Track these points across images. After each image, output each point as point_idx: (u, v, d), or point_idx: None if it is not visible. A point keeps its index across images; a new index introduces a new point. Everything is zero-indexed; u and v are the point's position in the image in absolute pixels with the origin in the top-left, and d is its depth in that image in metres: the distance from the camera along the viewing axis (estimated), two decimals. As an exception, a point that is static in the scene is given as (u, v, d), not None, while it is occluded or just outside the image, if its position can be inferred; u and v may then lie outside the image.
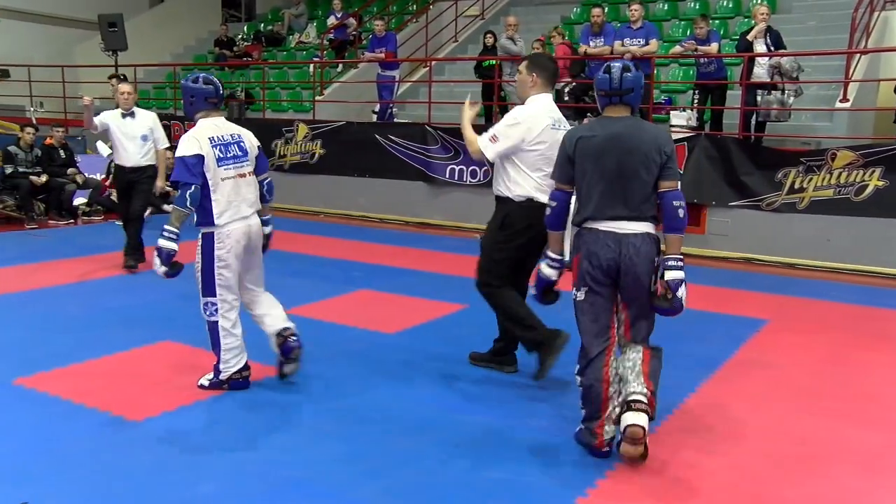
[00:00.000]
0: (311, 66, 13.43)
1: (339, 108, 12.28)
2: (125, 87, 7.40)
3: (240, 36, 15.96)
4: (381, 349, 5.10)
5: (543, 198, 4.08)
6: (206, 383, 4.21)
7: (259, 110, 13.11)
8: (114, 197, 10.69)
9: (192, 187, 3.86)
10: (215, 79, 4.19)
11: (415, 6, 15.19)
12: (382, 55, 11.89)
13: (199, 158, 3.90)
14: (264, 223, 4.32)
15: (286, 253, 8.48)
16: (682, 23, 11.70)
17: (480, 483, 3.27)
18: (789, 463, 3.56)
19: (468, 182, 10.37)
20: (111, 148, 7.52)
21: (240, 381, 4.21)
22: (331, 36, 13.72)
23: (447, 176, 10.52)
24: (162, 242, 3.95)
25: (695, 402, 4.30)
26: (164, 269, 3.99)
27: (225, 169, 3.98)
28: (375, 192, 11.06)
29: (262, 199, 4.29)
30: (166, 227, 3.92)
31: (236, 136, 4.10)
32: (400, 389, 4.36)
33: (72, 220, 10.16)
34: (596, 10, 9.90)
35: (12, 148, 10.08)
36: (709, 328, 5.80)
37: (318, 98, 12.54)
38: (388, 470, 3.36)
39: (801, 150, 8.47)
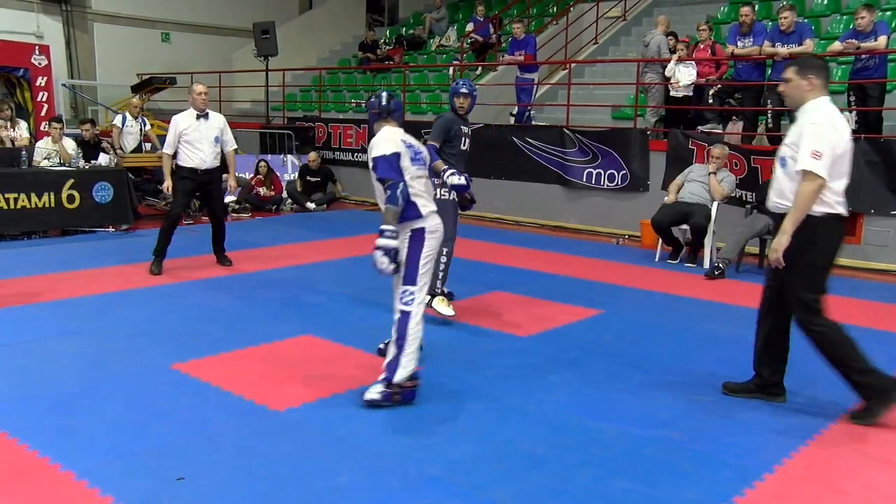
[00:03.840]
0: (451, 68, 13.61)
1: (478, 110, 12.26)
2: (201, 88, 7.26)
3: (382, 40, 16.41)
4: (516, 352, 5.09)
5: (843, 210, 3.96)
6: (378, 396, 4.04)
7: (399, 113, 13.41)
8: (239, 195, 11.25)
9: (401, 184, 3.97)
10: (390, 95, 4.43)
11: (555, 8, 15.08)
12: (521, 58, 11.89)
13: (397, 156, 4.06)
14: None
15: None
16: (845, 17, 10.95)
17: (609, 492, 3.20)
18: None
19: (605, 186, 10.19)
20: (177, 149, 7.26)
21: (410, 392, 4.10)
22: (471, 38, 13.86)
23: (584, 179, 10.38)
24: (385, 242, 3.91)
25: (845, 426, 4.02)
26: (392, 266, 3.96)
27: (417, 168, 4.17)
28: (511, 194, 11.06)
29: None
30: (384, 227, 3.92)
31: (415, 145, 4.31)
32: (534, 393, 4.34)
33: (192, 221, 10.77)
34: (745, 9, 9.41)
35: (175, 148, 10.82)
36: (867, 347, 5.40)
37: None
38: (521, 472, 3.36)
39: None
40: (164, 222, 7.30)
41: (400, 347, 4.03)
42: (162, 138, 11.56)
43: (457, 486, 3.21)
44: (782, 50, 8.86)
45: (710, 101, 9.89)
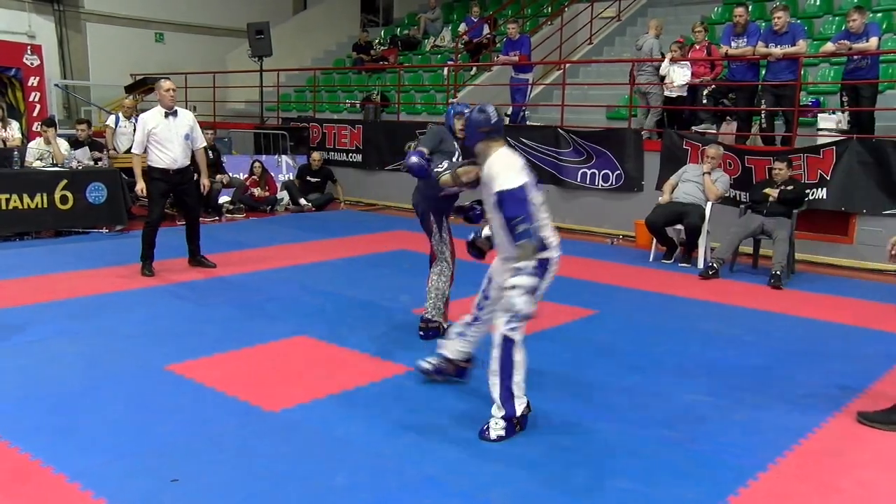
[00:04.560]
0: (446, 69, 13.62)
1: (472, 111, 12.35)
2: (170, 84, 7.09)
3: (377, 40, 16.41)
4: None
5: None
6: (503, 433, 3.68)
7: (394, 113, 13.43)
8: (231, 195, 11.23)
9: (534, 224, 3.56)
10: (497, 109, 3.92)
11: (550, 9, 15.10)
12: (516, 58, 11.89)
13: (526, 188, 3.61)
14: None
15: (416, 254, 8.65)
16: (837, 18, 10.99)
17: (607, 492, 3.21)
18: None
19: (600, 186, 10.21)
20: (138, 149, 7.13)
21: (526, 418, 3.79)
22: (465, 38, 13.86)
23: (578, 179, 10.39)
24: (528, 280, 3.50)
25: (838, 424, 4.03)
26: (535, 307, 3.60)
27: (539, 194, 3.75)
28: (505, 194, 11.04)
29: None
30: (524, 264, 3.50)
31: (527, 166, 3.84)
32: (529, 394, 4.32)
33: (217, 218, 10.77)
34: (739, 10, 9.42)
35: (168, 149, 10.81)
36: (859, 346, 5.44)
37: (451, 101, 12.69)
38: (518, 473, 3.36)
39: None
40: (144, 228, 7.18)
41: (508, 376, 3.68)
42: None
43: (455, 487, 3.22)
44: (776, 50, 8.89)
45: (704, 101, 9.91)
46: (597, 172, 10.21)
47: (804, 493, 3.27)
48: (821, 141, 8.56)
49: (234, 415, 3.92)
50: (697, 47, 10.00)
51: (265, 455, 3.47)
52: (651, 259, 8.37)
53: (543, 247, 3.70)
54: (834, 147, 8.24)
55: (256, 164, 11.76)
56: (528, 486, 3.25)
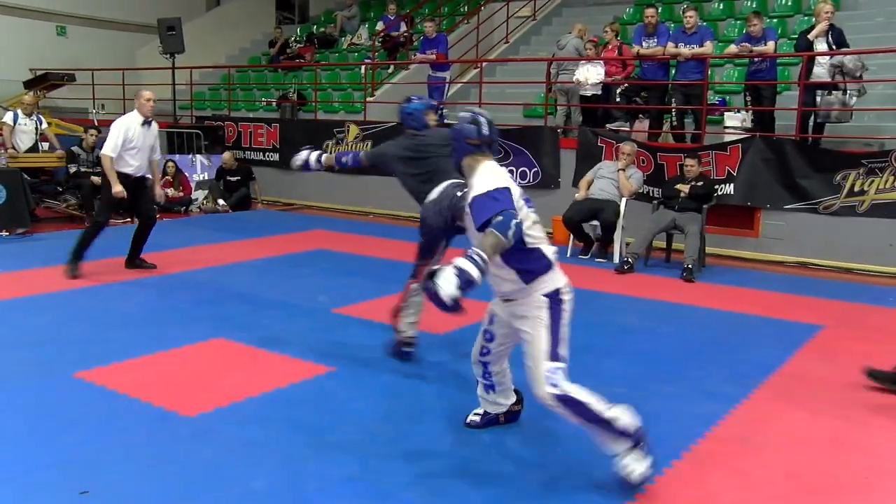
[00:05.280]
0: (363, 67, 13.54)
1: (391, 109, 12.30)
2: (150, 94, 7.15)
3: (293, 37, 16.17)
4: (430, 351, 5.10)
5: None
6: (639, 478, 3.15)
7: (311, 111, 13.27)
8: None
9: (516, 217, 2.99)
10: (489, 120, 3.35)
11: (466, 7, 15.20)
12: (433, 56, 11.93)
13: (507, 189, 3.09)
14: None
15: (335, 253, 8.58)
16: (738, 22, 11.46)
17: (518, 485, 3.25)
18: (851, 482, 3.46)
19: (518, 183, 10.27)
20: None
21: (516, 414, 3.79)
22: (383, 36, 13.81)
23: (497, 177, 10.47)
24: (466, 264, 2.88)
25: (743, 412, 4.20)
26: (453, 299, 2.88)
27: (532, 211, 3.26)
28: (425, 192, 11.06)
29: None
30: (476, 252, 2.91)
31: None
32: (446, 391, 4.36)
33: (128, 219, 10.40)
34: (650, 11, 9.74)
35: (75, 148, 10.41)
36: (765, 334, 5.68)
37: (369, 99, 12.64)
38: (437, 470, 3.37)
39: (863, 151, 8.23)
40: (88, 228, 7.04)
41: (599, 421, 3.16)
42: (60, 137, 11.13)
43: (373, 486, 3.20)
44: (685, 50, 9.20)
45: (618, 99, 10.17)
46: (514, 170, 10.32)
47: (714, 478, 3.39)
48: (727, 139, 8.91)
49: (148, 421, 3.80)
50: (610, 47, 10.25)
51: (181, 461, 3.37)
52: (568, 255, 8.53)
53: (548, 265, 3.24)
54: (739, 144, 8.58)
55: (170, 163, 11.43)
56: (447, 481, 3.27)
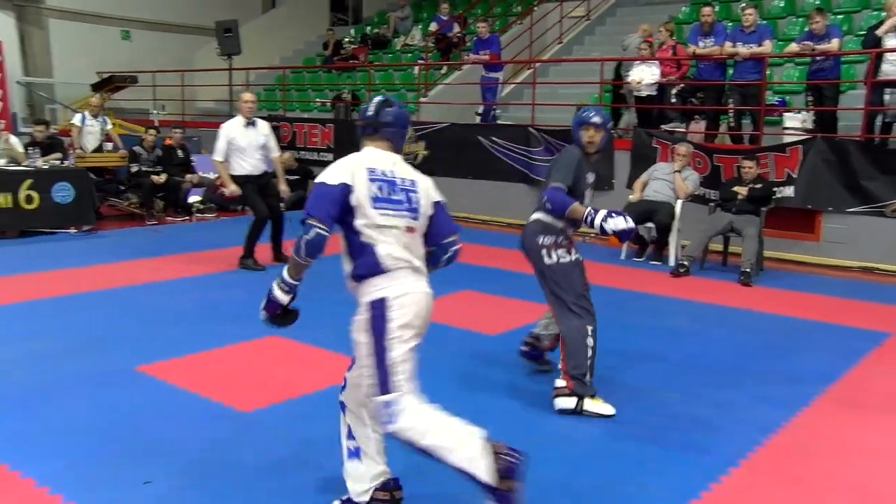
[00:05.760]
0: (416, 68, 13.60)
1: (443, 109, 12.38)
2: (249, 96, 7.45)
3: (347, 39, 16.34)
4: (483, 351, 5.11)
5: None
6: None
7: (365, 112, 13.36)
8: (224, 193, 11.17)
9: (316, 230, 2.78)
10: (385, 102, 3.12)
11: (519, 8, 15.15)
12: (486, 57, 11.93)
13: (344, 189, 2.83)
14: None
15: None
16: (800, 19, 11.18)
17: (575, 489, 3.23)
18: (913, 486, 3.36)
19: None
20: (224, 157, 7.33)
21: (504, 496, 2.77)
22: (436, 36, 13.86)
23: (549, 178, 10.43)
24: (274, 292, 3.03)
25: (803, 420, 4.11)
26: (270, 322, 3.09)
27: (383, 214, 2.86)
28: (477, 193, 11.08)
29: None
30: (283, 275, 3.01)
31: (402, 183, 2.97)
32: (499, 393, 4.36)
33: (187, 217, 10.66)
34: (706, 10, 9.55)
35: (137, 148, 10.70)
36: (826, 341, 5.53)
37: (422, 100, 12.69)
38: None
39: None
40: (252, 223, 7.48)
41: (445, 459, 2.74)
42: (123, 137, 11.45)
43: (424, 483, 3.22)
44: (743, 50, 9.02)
45: (673, 100, 10.02)
46: (567, 171, 10.25)
47: (773, 487, 3.32)
48: (787, 140, 8.70)
49: (205, 415, 3.89)
50: (664, 47, 10.10)
51: (236, 456, 3.44)
52: (623, 257, 8.44)
53: (378, 269, 2.83)
54: (800, 146, 8.37)
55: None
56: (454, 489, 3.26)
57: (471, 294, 6.68)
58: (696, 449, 3.66)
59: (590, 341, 4.07)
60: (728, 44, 9.20)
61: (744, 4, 9.63)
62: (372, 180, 2.86)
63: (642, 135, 9.59)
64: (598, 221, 3.96)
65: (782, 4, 12.01)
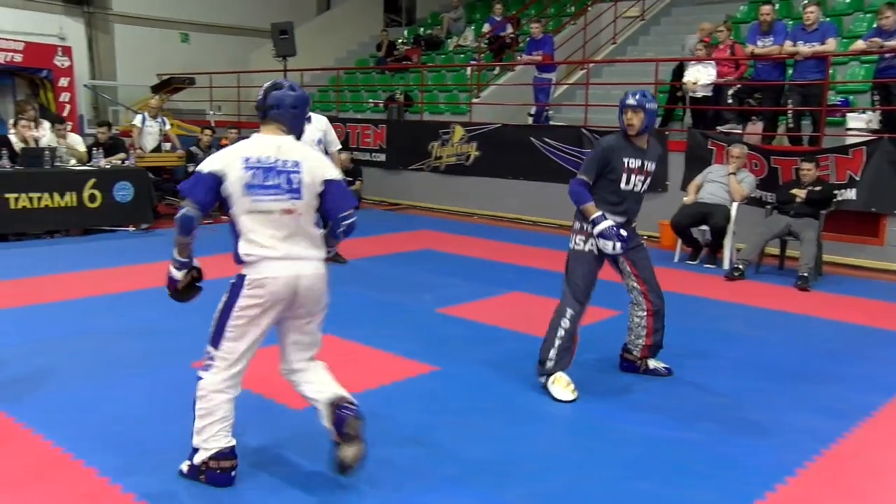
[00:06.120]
0: (469, 69, 13.61)
1: (495, 110, 12.37)
2: None
3: (400, 40, 16.44)
4: (533, 353, 5.08)
5: None
6: (185, 470, 3.24)
7: (417, 112, 13.46)
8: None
9: (185, 210, 3.10)
10: (273, 86, 3.22)
11: (573, 8, 15.05)
12: (539, 58, 11.88)
13: (213, 178, 3.07)
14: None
15: (440, 253, 8.67)
16: (868, 16, 10.84)
17: (626, 493, 3.20)
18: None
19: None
20: None
21: (220, 476, 3.17)
22: (489, 37, 13.86)
23: (602, 179, 10.33)
24: (170, 270, 3.46)
25: (864, 432, 3.98)
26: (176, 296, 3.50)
27: (255, 200, 3.07)
28: (529, 194, 11.05)
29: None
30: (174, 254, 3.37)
31: (278, 166, 3.10)
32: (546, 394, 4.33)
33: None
34: (765, 8, 9.31)
35: (193, 148, 10.96)
36: (886, 348, 5.36)
37: (474, 100, 12.70)
38: (536, 473, 3.36)
39: None
40: None
41: (194, 417, 3.19)
42: (181, 138, 11.72)
43: (473, 487, 3.22)
44: (804, 49, 8.78)
45: (730, 101, 9.83)
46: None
47: (831, 500, 3.24)
48: (849, 141, 8.45)
49: (258, 411, 3.95)
50: (721, 46, 9.91)
51: (287, 452, 3.50)
52: (676, 260, 8.32)
53: (240, 260, 3.13)
54: (864, 147, 8.13)
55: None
56: (544, 486, 3.25)
57: (520, 295, 6.66)
58: (749, 455, 3.58)
59: (564, 323, 4.33)
60: (788, 43, 8.97)
61: (805, 2, 9.36)
62: (246, 168, 3.05)
63: (697, 136, 9.43)
64: (595, 231, 4.25)
65: (848, 1, 11.66)
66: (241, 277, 3.13)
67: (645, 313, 4.58)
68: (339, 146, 7.78)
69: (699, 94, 9.79)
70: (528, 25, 13.26)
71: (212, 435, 3.16)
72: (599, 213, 4.24)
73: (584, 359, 4.95)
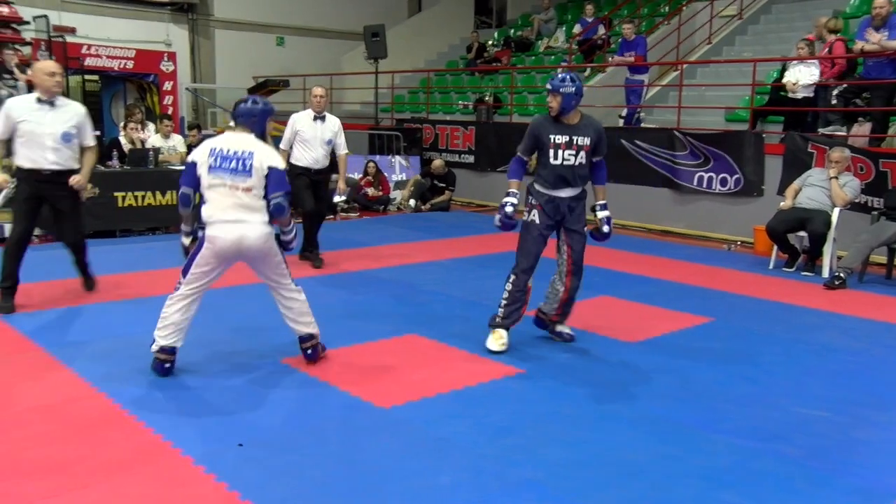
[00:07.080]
0: (559, 70, 13.49)
1: (586, 112, 12.20)
2: (319, 91, 7.52)
3: (490, 42, 16.46)
4: (621, 358, 5.01)
5: None
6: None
7: (506, 114, 13.44)
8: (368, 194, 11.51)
9: (181, 188, 4.38)
10: (247, 99, 4.47)
11: (667, 8, 14.73)
12: (631, 59, 11.68)
13: (192, 165, 4.34)
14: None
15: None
16: None
17: (714, 503, 3.12)
18: None
19: (717, 190, 9.88)
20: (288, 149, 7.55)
21: (159, 364, 4.43)
22: (579, 39, 13.73)
23: (695, 183, 10.10)
24: (181, 238, 4.60)
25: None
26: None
27: (213, 177, 4.26)
28: (618, 197, 10.81)
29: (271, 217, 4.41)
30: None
31: (229, 154, 4.25)
32: (638, 400, 4.26)
33: (331, 216, 11.08)
34: (880, 1, 8.71)
35: (285, 148, 11.25)
36: None
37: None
38: (621, 479, 3.31)
39: None
40: (303, 221, 7.64)
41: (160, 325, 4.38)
42: (277, 139, 12.07)
43: (554, 490, 3.20)
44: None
45: (834, 102, 9.40)
46: (714, 176, 9.89)
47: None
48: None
49: (344, 409, 4.04)
50: (824, 45, 9.49)
51: (372, 450, 3.55)
52: (771, 266, 8.04)
53: (202, 224, 4.32)
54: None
55: (371, 164, 12.04)
56: (628, 493, 3.20)
57: (609, 299, 6.57)
58: (849, 476, 3.42)
59: (508, 286, 5.03)
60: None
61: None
62: (210, 155, 4.28)
63: (796, 139, 9.08)
64: (503, 201, 4.99)
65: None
66: (202, 238, 4.31)
67: (563, 288, 5.08)
68: (347, 150, 7.79)
69: (800, 95, 9.42)
70: (620, 26, 13.06)
71: (165, 334, 4.31)
72: (513, 191, 4.98)
73: (672, 365, 4.85)
